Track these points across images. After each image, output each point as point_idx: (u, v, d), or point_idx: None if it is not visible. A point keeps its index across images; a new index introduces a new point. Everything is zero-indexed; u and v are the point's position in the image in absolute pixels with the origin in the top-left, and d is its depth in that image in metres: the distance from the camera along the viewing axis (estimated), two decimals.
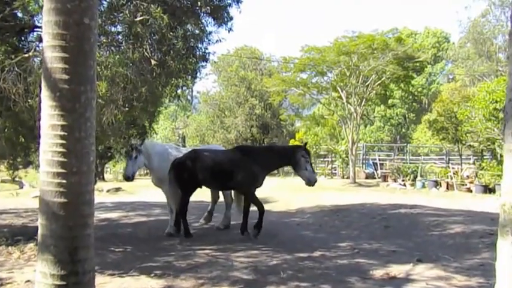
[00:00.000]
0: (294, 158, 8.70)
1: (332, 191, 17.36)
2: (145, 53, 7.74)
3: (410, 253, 7.40)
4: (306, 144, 9.32)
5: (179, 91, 10.46)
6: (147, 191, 18.92)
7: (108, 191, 20.88)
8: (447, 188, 17.19)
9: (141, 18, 7.39)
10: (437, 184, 18.12)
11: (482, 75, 31.88)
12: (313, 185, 8.73)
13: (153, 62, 7.78)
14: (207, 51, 9.12)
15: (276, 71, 31.98)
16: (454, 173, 18.73)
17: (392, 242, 8.41)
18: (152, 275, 6.07)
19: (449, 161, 24.08)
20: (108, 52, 7.78)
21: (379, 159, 26.24)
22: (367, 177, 23.53)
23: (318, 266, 6.63)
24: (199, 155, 9.03)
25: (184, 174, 8.79)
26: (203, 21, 8.81)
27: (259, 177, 8.91)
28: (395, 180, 20.23)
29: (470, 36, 33.13)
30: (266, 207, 14.32)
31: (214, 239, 8.62)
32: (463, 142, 21.86)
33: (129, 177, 9.14)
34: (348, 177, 22.64)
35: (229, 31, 9.11)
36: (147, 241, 8.50)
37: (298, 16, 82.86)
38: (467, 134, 20.57)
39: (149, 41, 7.83)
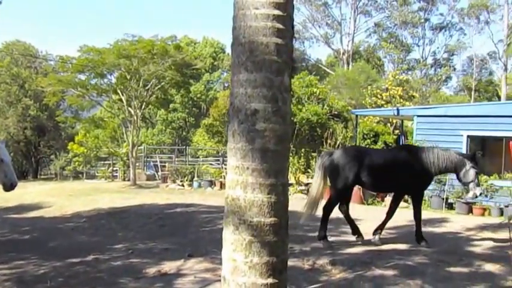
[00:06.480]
0: (463, 167, 7.89)
1: (112, 194, 17.10)
2: None
3: (183, 249, 7.84)
4: (474, 154, 8.31)
5: None
6: None
7: None
8: (221, 187, 18.45)
9: None
10: (212, 183, 19.34)
11: None
12: (476, 198, 8.51)
13: None
14: None
15: (53, 70, 30.02)
16: (227, 173, 20.19)
17: (167, 240, 8.78)
18: None
19: (224, 162, 25.93)
20: None
21: (160, 161, 26.77)
22: (148, 179, 23.78)
23: (91, 270, 6.61)
24: (366, 151, 8.23)
25: (344, 171, 7.86)
26: None
27: (430, 180, 8.37)
28: (174, 181, 20.90)
29: None
30: (38, 213, 13.57)
31: None
32: None
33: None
34: (129, 180, 22.56)
35: None
36: None
37: (76, 14, 78.83)
38: None
39: None
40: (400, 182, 8.09)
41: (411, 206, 13.86)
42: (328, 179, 8.18)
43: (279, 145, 3.20)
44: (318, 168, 8.24)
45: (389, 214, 8.38)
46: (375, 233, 8.29)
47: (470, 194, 8.16)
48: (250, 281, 3.14)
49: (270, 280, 3.14)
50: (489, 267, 6.65)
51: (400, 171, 7.97)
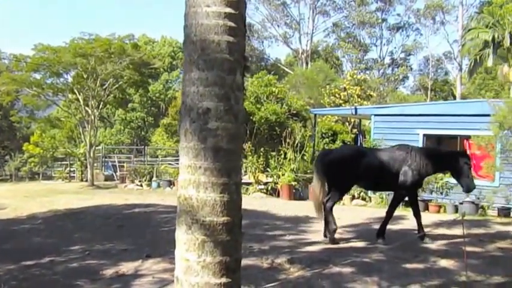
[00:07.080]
0: (457, 164, 8.18)
1: (68, 195, 16.76)
2: None
3: (141, 250, 7.77)
4: (466, 151, 8.57)
5: None
6: None
7: None
8: None
9: None
10: (171, 183, 19.16)
11: None
12: (471, 191, 8.72)
13: None
14: None
15: (7, 69, 29.04)
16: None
17: (125, 240, 8.66)
18: None
19: None
20: None
21: (119, 162, 26.35)
22: (106, 180, 23.40)
23: (46, 273, 6.48)
24: (365, 150, 8.43)
25: (343, 169, 8.02)
26: None
27: (422, 179, 8.54)
28: (132, 181, 20.64)
29: None
30: None
31: None
32: None
33: None
34: (87, 180, 22.11)
35: None
36: None
37: (31, 13, 76.47)
38: None
39: None
40: (394, 181, 8.18)
41: (369, 205, 14.25)
42: (326, 178, 8.26)
43: (232, 144, 3.20)
44: (317, 168, 8.35)
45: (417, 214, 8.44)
46: (420, 234, 8.39)
47: (465, 189, 8.47)
48: (204, 281, 3.13)
49: (224, 279, 3.14)
50: (444, 263, 6.86)
51: (395, 171, 8.11)
